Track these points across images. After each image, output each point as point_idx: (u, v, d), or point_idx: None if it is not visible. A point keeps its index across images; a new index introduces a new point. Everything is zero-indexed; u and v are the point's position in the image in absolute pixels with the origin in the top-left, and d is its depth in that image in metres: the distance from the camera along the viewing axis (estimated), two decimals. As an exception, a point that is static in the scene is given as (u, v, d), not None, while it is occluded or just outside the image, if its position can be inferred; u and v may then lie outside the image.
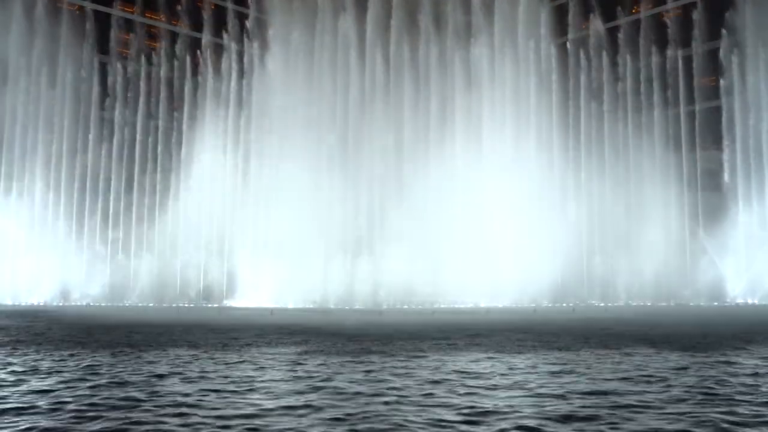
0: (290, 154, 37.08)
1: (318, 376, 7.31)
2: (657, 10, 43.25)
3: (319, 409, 5.42)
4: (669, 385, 6.69)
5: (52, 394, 6.07)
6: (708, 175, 39.34)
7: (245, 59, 42.66)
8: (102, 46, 45.06)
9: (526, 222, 34.86)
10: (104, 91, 43.98)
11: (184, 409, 5.36)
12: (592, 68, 41.09)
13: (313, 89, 37.76)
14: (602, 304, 35.01)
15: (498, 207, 34.37)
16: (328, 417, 5.11)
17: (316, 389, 6.43)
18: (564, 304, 34.28)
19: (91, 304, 38.13)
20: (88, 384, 6.69)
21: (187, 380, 7.02)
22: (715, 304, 33.83)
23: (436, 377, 7.26)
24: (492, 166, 35.64)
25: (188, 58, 46.36)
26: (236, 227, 39.03)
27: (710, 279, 34.86)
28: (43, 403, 5.65)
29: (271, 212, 37.56)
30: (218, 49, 45.17)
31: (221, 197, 40.48)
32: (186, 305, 36.89)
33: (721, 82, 38.51)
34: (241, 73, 42.63)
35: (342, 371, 7.74)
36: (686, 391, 6.31)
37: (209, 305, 36.56)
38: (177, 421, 4.95)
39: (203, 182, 41.55)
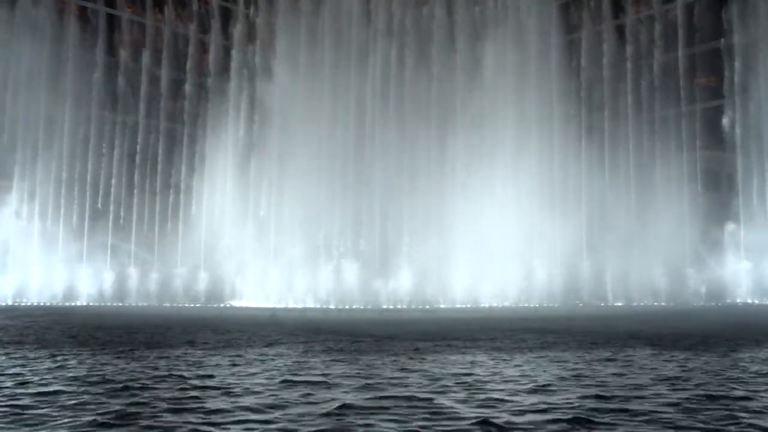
0: (296, 154, 37.17)
1: (318, 375, 7.27)
2: (663, 8, 43.03)
3: (319, 407, 5.38)
4: (675, 386, 6.64)
5: (53, 396, 6.03)
6: (711, 175, 39.28)
7: (250, 60, 42.64)
8: (107, 46, 45.03)
9: (528, 222, 34.91)
10: (108, 92, 43.90)
11: (185, 411, 5.32)
12: (595, 67, 41.03)
13: (318, 91, 37.69)
14: (603, 304, 34.95)
15: (501, 208, 34.45)
16: (328, 417, 5.07)
17: (317, 389, 6.39)
18: (563, 304, 34.24)
19: (92, 304, 38.10)
20: (88, 385, 6.65)
21: (187, 381, 6.99)
22: (713, 304, 33.70)
23: (437, 378, 7.22)
24: (494, 167, 35.69)
25: (192, 59, 46.35)
26: (239, 227, 39.03)
27: (713, 279, 34.77)
28: (43, 404, 5.62)
29: (276, 213, 37.67)
30: (224, 51, 45.12)
31: (224, 197, 40.50)
32: (187, 305, 36.89)
33: (724, 81, 38.46)
34: (242, 73, 42.59)
35: (342, 371, 7.70)
36: (691, 392, 6.26)
37: (211, 305, 36.53)
38: (178, 421, 4.91)
39: (206, 182, 41.59)
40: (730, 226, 35.98)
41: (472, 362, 8.60)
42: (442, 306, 32.73)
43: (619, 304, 35.06)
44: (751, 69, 36.85)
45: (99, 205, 42.63)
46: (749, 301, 33.88)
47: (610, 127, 40.80)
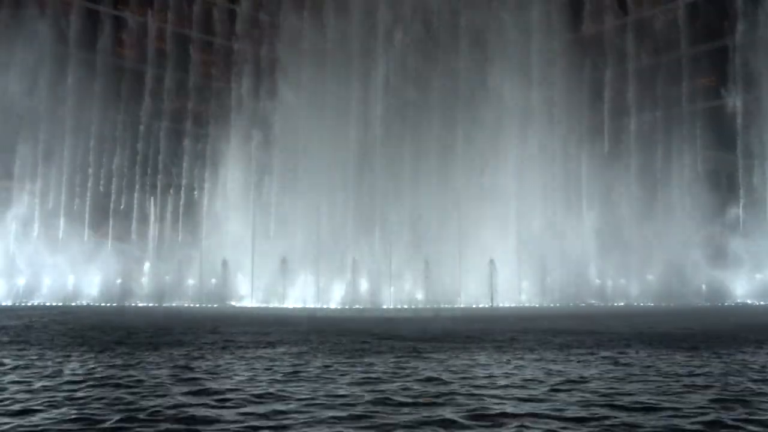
0: (300, 153, 37.26)
1: (319, 375, 7.26)
2: (666, 7, 42.90)
3: (321, 408, 5.38)
4: (680, 386, 6.63)
5: (52, 396, 6.04)
6: (712, 175, 39.27)
7: (253, 60, 42.68)
8: (110, 47, 45.10)
9: (529, 223, 34.98)
10: (111, 92, 43.93)
11: (185, 412, 5.32)
12: (598, 66, 41.03)
13: (321, 91, 37.68)
14: (602, 304, 34.93)
15: (504, 209, 34.58)
16: (327, 418, 5.07)
17: (318, 389, 6.38)
18: (564, 304, 34.25)
19: (95, 304, 38.12)
20: (89, 386, 6.66)
21: (187, 382, 6.99)
22: (713, 304, 33.62)
23: (439, 378, 7.21)
24: (497, 170, 35.79)
25: (195, 60, 46.42)
26: (243, 226, 39.08)
27: (714, 279, 34.74)
28: (43, 405, 5.62)
29: (278, 213, 37.76)
30: (227, 51, 45.17)
31: (227, 197, 40.56)
32: (189, 305, 36.91)
33: (727, 82, 38.42)
34: (245, 73, 42.64)
35: (344, 371, 7.70)
36: (696, 392, 6.25)
37: (213, 305, 36.56)
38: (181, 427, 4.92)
39: (209, 182, 41.65)
40: (731, 226, 35.95)
41: (475, 362, 8.60)
42: (443, 306, 32.75)
43: (620, 303, 35.03)
44: (752, 69, 36.82)
45: (102, 205, 42.70)
46: (749, 302, 33.83)
47: (611, 127, 40.80)
